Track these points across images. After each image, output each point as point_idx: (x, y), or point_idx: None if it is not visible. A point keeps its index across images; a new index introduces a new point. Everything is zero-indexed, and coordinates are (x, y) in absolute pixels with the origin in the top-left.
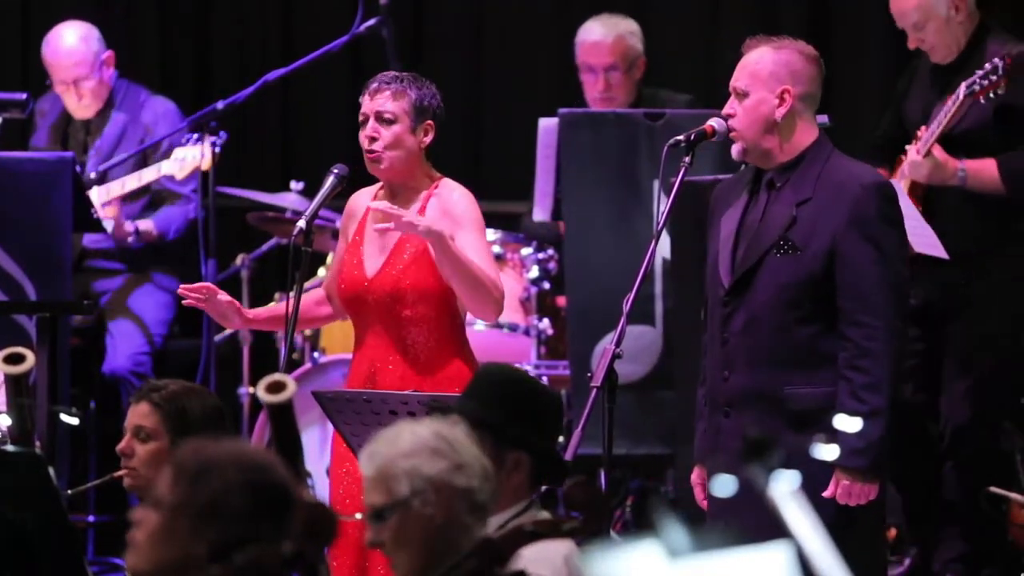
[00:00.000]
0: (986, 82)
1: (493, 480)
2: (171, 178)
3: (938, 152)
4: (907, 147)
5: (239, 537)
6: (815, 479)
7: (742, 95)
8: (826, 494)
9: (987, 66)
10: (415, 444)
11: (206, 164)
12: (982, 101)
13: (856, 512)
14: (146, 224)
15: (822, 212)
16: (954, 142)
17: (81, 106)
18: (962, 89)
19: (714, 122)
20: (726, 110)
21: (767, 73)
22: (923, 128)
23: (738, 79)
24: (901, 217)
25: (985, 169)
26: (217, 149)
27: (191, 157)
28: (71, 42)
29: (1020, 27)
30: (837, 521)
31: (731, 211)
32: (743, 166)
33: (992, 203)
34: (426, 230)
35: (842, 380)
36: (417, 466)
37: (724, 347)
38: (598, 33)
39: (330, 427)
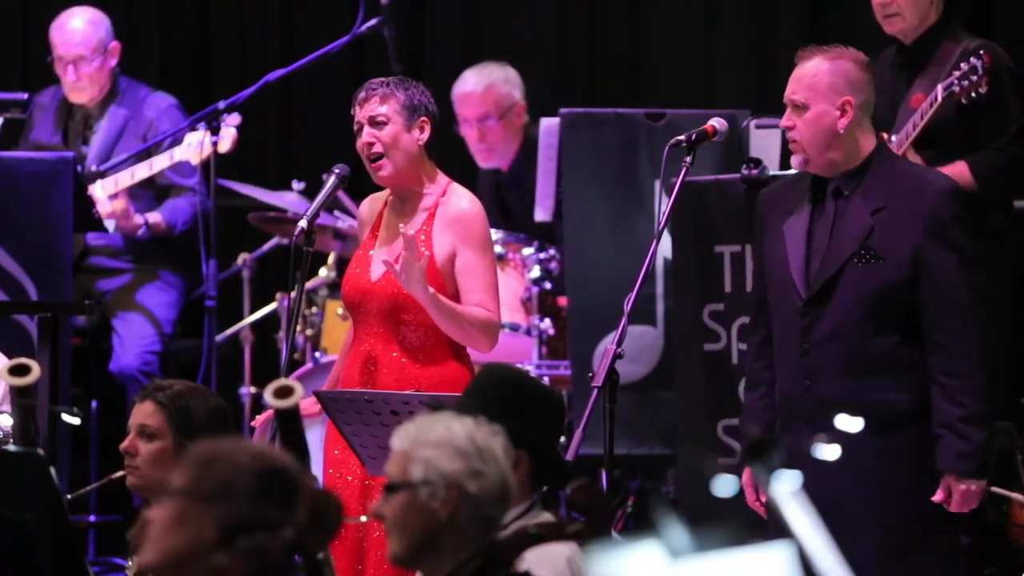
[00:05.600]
0: (966, 82)
1: (508, 502)
2: (181, 166)
3: (915, 158)
4: None
5: (246, 518)
6: (899, 485)
7: (801, 108)
8: (935, 499)
9: (963, 66)
10: (444, 438)
11: (225, 147)
12: (964, 102)
13: (938, 521)
14: (155, 216)
15: (899, 219)
16: (917, 138)
17: (76, 87)
18: (939, 90)
19: (715, 122)
20: (784, 122)
21: (825, 85)
22: (887, 134)
23: (795, 91)
24: (970, 218)
25: (960, 175)
26: (233, 131)
27: (206, 142)
28: (80, 21)
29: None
30: (920, 532)
31: (793, 219)
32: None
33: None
34: (419, 291)
35: (936, 386)
36: (436, 458)
37: (805, 357)
38: (469, 84)
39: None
